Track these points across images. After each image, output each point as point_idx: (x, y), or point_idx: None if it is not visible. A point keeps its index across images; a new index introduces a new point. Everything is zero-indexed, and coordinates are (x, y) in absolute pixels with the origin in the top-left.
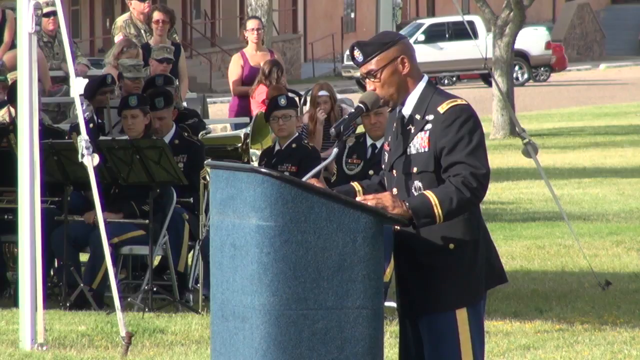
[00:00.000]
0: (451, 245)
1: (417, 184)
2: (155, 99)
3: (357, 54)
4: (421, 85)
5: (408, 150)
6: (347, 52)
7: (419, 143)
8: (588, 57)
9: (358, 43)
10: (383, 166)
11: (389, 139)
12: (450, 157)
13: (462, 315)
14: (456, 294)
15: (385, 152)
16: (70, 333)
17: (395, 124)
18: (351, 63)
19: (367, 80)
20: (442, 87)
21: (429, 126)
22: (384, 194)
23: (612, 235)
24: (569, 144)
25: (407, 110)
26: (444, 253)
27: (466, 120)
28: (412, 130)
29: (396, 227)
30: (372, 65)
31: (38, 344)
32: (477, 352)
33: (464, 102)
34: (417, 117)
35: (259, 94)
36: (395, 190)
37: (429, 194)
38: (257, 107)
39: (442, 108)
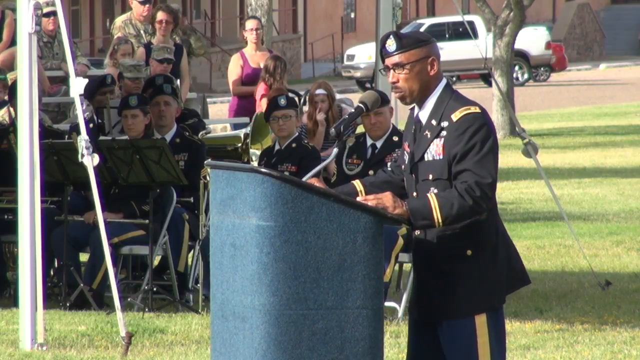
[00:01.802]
0: (469, 252)
1: (434, 190)
2: (163, 85)
3: (391, 42)
4: (440, 88)
5: (425, 156)
6: (347, 53)
7: (435, 150)
8: (588, 57)
9: (395, 33)
10: (403, 167)
11: (408, 141)
12: (459, 165)
13: (480, 320)
14: (475, 299)
15: (405, 153)
16: (70, 333)
17: (413, 127)
18: (351, 63)
19: (390, 71)
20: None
21: (443, 133)
22: (384, 194)
23: (612, 235)
24: (569, 144)
25: (424, 114)
26: (461, 259)
27: (478, 129)
28: (429, 136)
29: (416, 231)
30: (403, 57)
31: (38, 344)
32: (496, 357)
33: (477, 110)
34: (433, 122)
35: (259, 92)
36: (415, 194)
37: (431, 197)
38: (257, 105)
39: (455, 116)
